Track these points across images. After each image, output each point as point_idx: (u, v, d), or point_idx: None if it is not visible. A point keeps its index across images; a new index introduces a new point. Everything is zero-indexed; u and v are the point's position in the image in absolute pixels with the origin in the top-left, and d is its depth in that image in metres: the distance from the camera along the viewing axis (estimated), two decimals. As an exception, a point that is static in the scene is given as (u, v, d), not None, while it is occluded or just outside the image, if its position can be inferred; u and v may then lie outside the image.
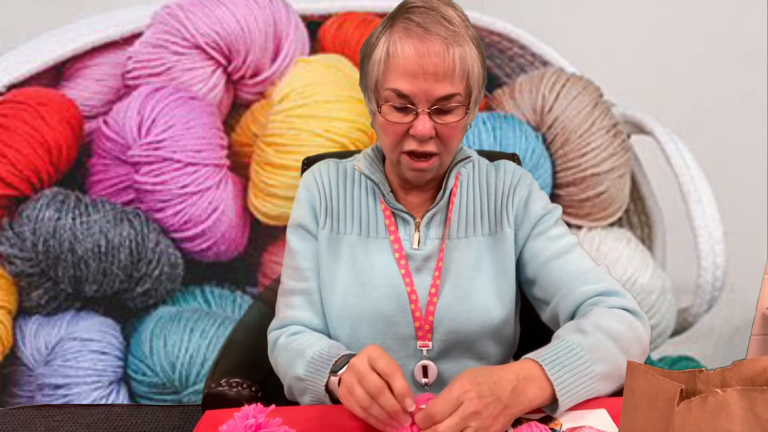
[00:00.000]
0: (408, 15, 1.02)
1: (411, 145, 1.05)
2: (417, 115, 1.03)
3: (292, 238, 1.20)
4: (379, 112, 1.06)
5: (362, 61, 1.10)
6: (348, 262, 1.15)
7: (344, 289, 1.13)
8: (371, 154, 1.20)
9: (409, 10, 1.03)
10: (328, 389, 1.00)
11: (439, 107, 1.03)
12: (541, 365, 0.93)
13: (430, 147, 1.05)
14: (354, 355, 0.99)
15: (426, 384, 1.13)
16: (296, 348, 1.09)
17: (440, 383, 1.13)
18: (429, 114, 1.02)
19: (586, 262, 1.13)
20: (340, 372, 0.97)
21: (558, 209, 1.19)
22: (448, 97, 1.02)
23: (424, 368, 1.13)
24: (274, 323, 1.19)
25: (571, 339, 0.97)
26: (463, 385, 0.85)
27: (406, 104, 1.03)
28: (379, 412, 0.86)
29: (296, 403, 1.09)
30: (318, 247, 1.18)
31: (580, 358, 0.94)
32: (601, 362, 0.95)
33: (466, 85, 1.04)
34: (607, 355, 0.96)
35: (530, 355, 0.96)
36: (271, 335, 1.17)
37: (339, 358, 1.01)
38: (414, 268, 1.13)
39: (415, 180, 1.12)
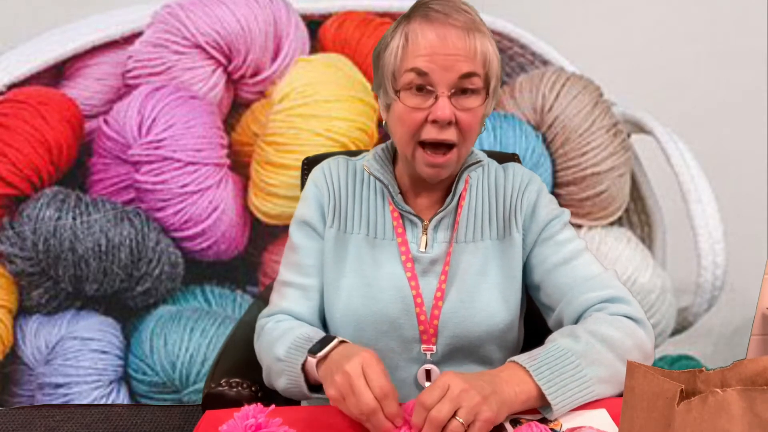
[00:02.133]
0: (426, 6, 1.03)
1: (430, 133, 1.04)
2: (437, 98, 1.02)
3: (295, 233, 1.19)
4: (398, 98, 1.04)
5: (375, 60, 1.09)
6: (354, 263, 1.14)
7: (349, 290, 1.13)
8: (381, 155, 1.19)
9: (426, 4, 1.03)
10: (304, 370, 1.00)
11: (460, 87, 1.02)
12: (523, 367, 0.93)
13: (449, 135, 1.04)
14: (334, 338, 0.99)
15: None
16: (281, 331, 1.08)
17: None
18: (449, 98, 1.01)
19: (593, 267, 1.12)
20: (320, 354, 0.96)
21: (566, 214, 1.17)
22: (468, 75, 1.01)
23: (428, 372, 1.12)
24: (264, 311, 1.19)
25: (560, 343, 0.97)
26: (447, 374, 0.86)
27: (425, 84, 1.01)
28: (370, 426, 0.87)
29: (296, 403, 1.09)
30: (323, 246, 1.17)
31: (570, 363, 0.94)
32: (594, 366, 0.95)
33: (486, 73, 1.03)
34: (601, 360, 0.96)
35: (514, 358, 0.96)
36: (259, 322, 1.17)
37: (318, 341, 1.00)
38: (420, 271, 1.12)
39: (430, 177, 1.10)
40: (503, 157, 1.35)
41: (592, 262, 1.13)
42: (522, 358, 0.95)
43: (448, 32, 1.00)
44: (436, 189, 1.16)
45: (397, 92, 1.05)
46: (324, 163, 1.23)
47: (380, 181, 1.14)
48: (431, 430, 0.82)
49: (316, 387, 1.02)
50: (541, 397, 0.91)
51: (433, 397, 0.83)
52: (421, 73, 1.01)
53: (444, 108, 1.01)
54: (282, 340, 1.06)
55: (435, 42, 1.00)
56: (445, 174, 1.10)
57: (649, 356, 1.03)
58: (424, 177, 1.11)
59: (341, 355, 0.94)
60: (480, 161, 1.17)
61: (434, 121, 1.02)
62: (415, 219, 1.14)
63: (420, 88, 1.02)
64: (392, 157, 1.20)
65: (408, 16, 1.04)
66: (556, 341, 0.98)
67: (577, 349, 0.96)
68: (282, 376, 1.04)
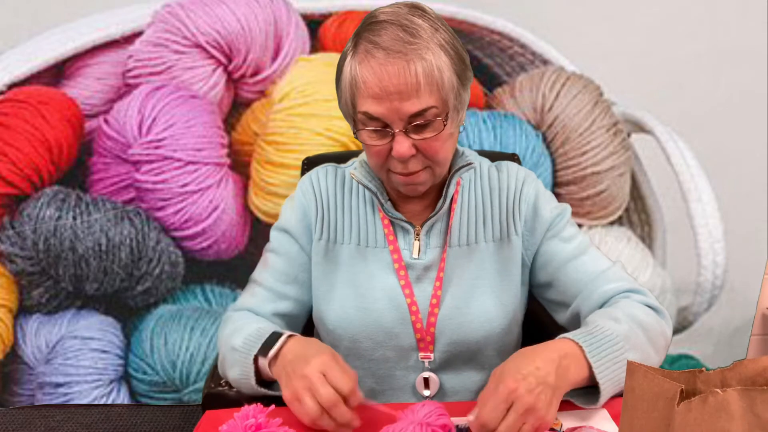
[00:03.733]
0: (368, 33, 0.99)
1: (396, 167, 1.03)
2: (394, 136, 1.00)
3: (275, 237, 1.19)
4: (357, 138, 1.04)
5: (336, 83, 1.07)
6: (346, 274, 1.13)
7: (342, 301, 1.12)
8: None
9: (370, 27, 0.99)
10: (256, 364, 1.00)
11: (415, 123, 0.99)
12: (580, 345, 0.92)
13: (415, 165, 1.02)
14: (281, 334, 1.00)
15: (428, 397, 1.11)
16: (241, 323, 1.09)
17: (442, 395, 1.12)
18: (405, 133, 0.99)
19: (603, 261, 1.11)
20: (270, 353, 0.97)
21: (567, 209, 1.16)
22: (420, 113, 0.98)
23: (426, 380, 1.11)
24: (233, 305, 1.19)
25: (606, 325, 0.97)
26: (509, 385, 0.84)
27: (380, 126, 1.00)
28: (329, 422, 0.88)
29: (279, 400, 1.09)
30: (300, 259, 1.17)
31: (615, 344, 0.94)
32: (633, 350, 0.95)
33: (438, 96, 0.99)
34: (638, 344, 0.97)
35: (568, 335, 0.95)
36: (226, 314, 1.17)
37: (266, 339, 1.01)
38: (414, 278, 1.11)
39: (410, 193, 1.10)
40: (503, 157, 1.34)
41: (600, 256, 1.13)
42: (581, 339, 0.93)
43: (387, 71, 0.96)
44: (427, 194, 1.13)
45: (357, 131, 1.04)
46: (312, 172, 1.21)
47: (368, 189, 1.12)
48: None
49: (265, 382, 1.02)
50: (587, 378, 0.92)
51: (497, 417, 0.82)
52: (372, 117, 0.99)
53: (402, 145, 0.99)
54: (240, 331, 1.06)
55: (376, 84, 0.96)
56: (424, 189, 1.08)
57: (668, 343, 1.06)
58: (404, 193, 1.10)
59: (296, 355, 0.94)
60: (471, 164, 1.12)
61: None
62: (407, 225, 1.12)
63: (376, 129, 1.01)
64: None
65: (356, 42, 1.01)
66: (597, 323, 0.98)
67: (621, 331, 0.96)
68: (235, 367, 1.03)
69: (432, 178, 1.07)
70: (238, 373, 1.02)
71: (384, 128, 1.00)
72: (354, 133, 1.06)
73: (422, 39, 0.97)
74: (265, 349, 0.98)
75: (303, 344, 0.97)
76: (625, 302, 1.04)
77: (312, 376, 0.88)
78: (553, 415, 0.85)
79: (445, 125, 1.01)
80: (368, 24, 1.00)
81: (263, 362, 0.98)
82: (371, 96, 0.98)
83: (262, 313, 1.15)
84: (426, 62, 0.97)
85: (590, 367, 0.91)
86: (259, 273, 1.19)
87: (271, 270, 1.18)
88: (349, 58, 1.01)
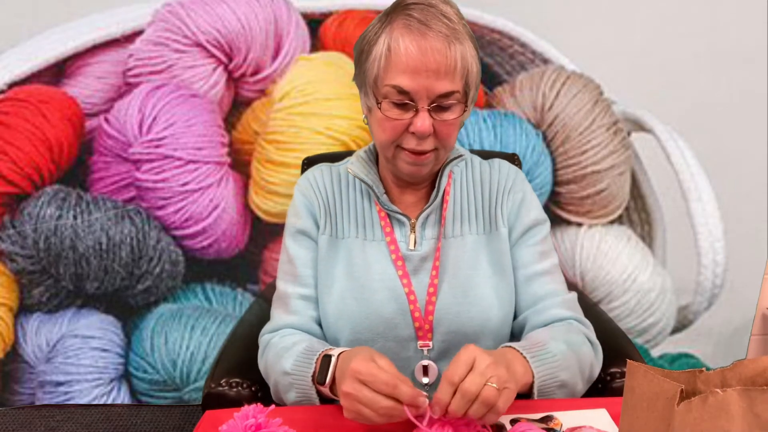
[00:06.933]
0: (407, 11, 1.02)
1: (410, 143, 1.06)
2: (417, 111, 1.03)
3: (291, 245, 1.19)
4: (379, 108, 1.06)
5: (359, 58, 1.09)
6: (346, 266, 1.15)
7: (342, 293, 1.13)
8: (364, 156, 1.20)
9: (407, 7, 1.03)
10: (314, 383, 1.00)
11: (438, 104, 1.03)
12: (523, 356, 0.99)
13: (428, 145, 1.06)
14: (340, 349, 1.00)
15: (427, 384, 1.13)
16: (286, 345, 1.08)
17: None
18: (428, 111, 1.03)
19: (564, 286, 1.17)
20: (328, 380, 0.96)
21: (548, 223, 1.21)
22: (447, 95, 1.03)
23: (425, 368, 1.12)
24: (267, 327, 1.18)
25: (546, 342, 1.03)
26: (470, 348, 0.86)
27: (405, 100, 1.03)
28: (393, 406, 0.84)
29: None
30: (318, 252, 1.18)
31: (554, 361, 1.00)
32: (565, 371, 1.01)
33: (464, 83, 1.05)
34: (570, 367, 1.02)
35: (514, 345, 1.01)
36: (263, 338, 1.16)
37: (321, 355, 1.01)
38: (411, 269, 1.13)
39: (411, 175, 1.12)
40: (502, 157, 1.34)
41: (564, 281, 1.18)
42: (525, 350, 1.00)
43: (430, 45, 1.00)
44: (421, 186, 1.18)
45: (378, 103, 1.06)
46: (308, 172, 1.24)
47: (364, 182, 1.16)
48: (462, 404, 0.82)
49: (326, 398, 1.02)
50: (529, 384, 0.98)
51: (461, 372, 0.83)
52: (402, 91, 1.02)
53: (424, 121, 1.03)
54: (289, 353, 1.06)
55: (417, 57, 1.00)
56: (424, 171, 1.11)
57: (594, 378, 1.10)
58: (404, 175, 1.13)
59: (340, 374, 0.93)
60: (461, 155, 1.18)
61: (413, 133, 1.04)
62: (402, 218, 1.15)
63: (401, 103, 1.04)
64: (375, 157, 1.21)
65: (390, 20, 1.04)
66: (539, 338, 1.04)
67: (558, 351, 1.02)
68: (291, 390, 1.04)
69: (435, 163, 1.11)
70: (296, 395, 1.03)
71: (408, 103, 1.03)
72: (367, 108, 1.10)
73: (458, 26, 1.03)
74: (322, 374, 0.98)
75: (345, 357, 0.96)
76: (568, 327, 1.09)
77: (351, 390, 0.85)
78: (515, 382, 0.90)
79: (464, 111, 1.06)
80: (403, 5, 1.04)
81: (324, 390, 0.99)
82: (408, 69, 1.01)
83: (303, 324, 1.15)
84: (464, 48, 1.03)
85: (533, 378, 0.97)
86: (284, 286, 1.19)
87: (296, 277, 1.18)
88: (384, 32, 1.03)
